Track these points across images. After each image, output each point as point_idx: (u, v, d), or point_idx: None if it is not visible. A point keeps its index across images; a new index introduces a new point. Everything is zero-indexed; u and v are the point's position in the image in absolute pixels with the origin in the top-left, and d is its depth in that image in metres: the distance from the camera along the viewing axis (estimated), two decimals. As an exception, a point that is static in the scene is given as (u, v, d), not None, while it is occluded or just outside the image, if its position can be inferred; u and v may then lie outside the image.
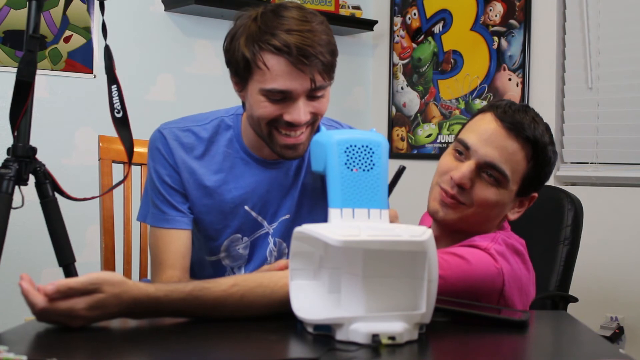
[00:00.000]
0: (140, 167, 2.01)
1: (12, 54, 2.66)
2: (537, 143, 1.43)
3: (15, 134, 1.77)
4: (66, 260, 1.81)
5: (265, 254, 1.64)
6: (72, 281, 1.08)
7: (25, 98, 1.75)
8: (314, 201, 1.64)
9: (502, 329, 1.20)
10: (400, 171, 1.39)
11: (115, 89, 1.87)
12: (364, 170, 1.18)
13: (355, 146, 1.19)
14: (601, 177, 2.85)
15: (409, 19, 3.54)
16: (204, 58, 3.15)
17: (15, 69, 1.76)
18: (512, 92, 3.13)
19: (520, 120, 1.42)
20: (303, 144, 1.52)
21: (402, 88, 3.57)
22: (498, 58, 3.18)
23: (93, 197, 1.92)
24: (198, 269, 1.67)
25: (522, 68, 3.09)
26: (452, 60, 3.36)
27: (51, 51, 2.76)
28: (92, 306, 1.08)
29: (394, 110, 3.61)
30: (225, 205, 1.60)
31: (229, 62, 1.51)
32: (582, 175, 2.90)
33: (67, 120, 2.81)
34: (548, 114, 2.90)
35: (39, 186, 1.80)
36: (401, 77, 3.57)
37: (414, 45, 3.51)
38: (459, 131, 1.52)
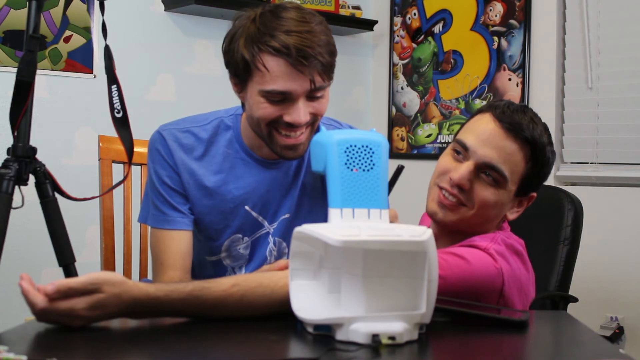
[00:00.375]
0: (140, 167, 2.01)
1: (12, 54, 2.66)
2: (535, 143, 1.43)
3: (15, 134, 1.77)
4: (66, 260, 1.81)
5: (265, 253, 1.64)
6: (72, 281, 1.08)
7: (25, 98, 1.75)
8: (313, 201, 1.64)
9: (502, 329, 1.20)
10: (399, 171, 1.40)
11: (115, 89, 1.87)
12: (364, 170, 1.18)
13: (355, 146, 1.19)
14: (601, 177, 2.85)
15: (409, 19, 3.54)
16: (204, 58, 3.15)
17: (15, 69, 1.76)
18: (512, 92, 3.13)
19: (518, 121, 1.42)
20: (303, 144, 1.52)
21: (402, 88, 3.57)
22: (498, 58, 3.18)
23: (93, 197, 1.92)
24: (198, 269, 1.67)
25: (522, 68, 3.09)
26: (452, 60, 3.36)
27: (51, 51, 2.76)
28: (92, 306, 1.08)
29: (394, 110, 3.61)
30: (225, 205, 1.60)
31: (228, 64, 1.51)
32: (582, 175, 2.90)
33: (67, 120, 2.80)
34: (548, 114, 2.90)
35: (39, 186, 1.80)
36: (401, 77, 3.57)
37: (414, 45, 3.51)
38: (458, 131, 1.52)
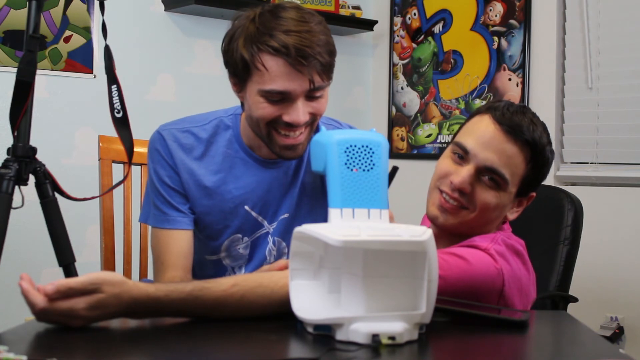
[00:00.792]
0: (140, 167, 2.01)
1: (12, 54, 2.66)
2: (536, 145, 1.42)
3: (15, 134, 1.77)
4: (66, 260, 1.81)
5: (264, 253, 1.64)
6: (72, 281, 1.08)
7: (25, 98, 1.75)
8: (313, 200, 1.64)
9: (502, 329, 1.20)
10: (394, 172, 1.39)
11: (115, 89, 1.87)
12: (364, 170, 1.18)
13: (355, 146, 1.19)
14: (601, 177, 2.85)
15: (409, 19, 3.54)
16: (204, 58, 3.15)
17: (15, 69, 1.76)
18: (512, 92, 3.13)
19: (518, 123, 1.41)
20: (302, 144, 1.52)
21: (402, 88, 3.57)
22: (498, 58, 3.18)
23: (93, 197, 1.92)
24: (198, 269, 1.67)
25: (522, 68, 3.09)
26: (452, 60, 3.36)
27: (51, 51, 2.76)
28: (92, 306, 1.08)
29: (394, 110, 3.61)
30: (225, 205, 1.60)
31: (228, 63, 1.51)
32: (582, 175, 2.90)
33: (67, 120, 2.81)
34: (548, 114, 2.90)
35: (39, 186, 1.80)
36: (401, 77, 3.57)
37: (414, 45, 3.51)
38: (456, 132, 1.51)
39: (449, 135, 3.37)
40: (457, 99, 3.34)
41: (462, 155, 1.44)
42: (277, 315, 1.19)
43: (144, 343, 1.09)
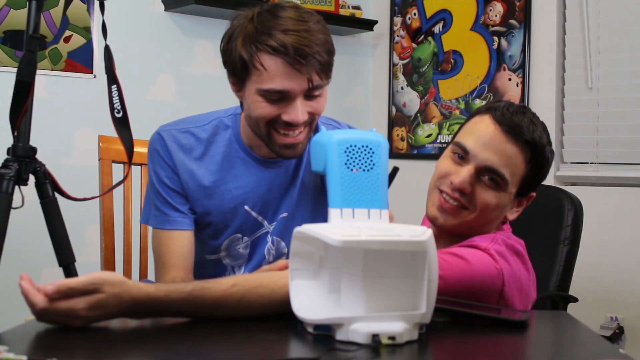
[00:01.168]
0: (140, 167, 2.01)
1: (12, 54, 2.66)
2: (536, 145, 1.42)
3: (15, 134, 1.77)
4: (66, 260, 1.81)
5: (263, 252, 1.64)
6: (72, 281, 1.08)
7: (25, 98, 1.75)
8: (312, 200, 1.64)
9: (502, 329, 1.20)
10: (394, 172, 1.39)
11: (115, 89, 1.87)
12: (364, 170, 1.18)
13: (355, 146, 1.19)
14: (601, 177, 2.85)
15: (409, 19, 3.54)
16: (204, 58, 3.15)
17: (15, 69, 1.76)
18: (512, 92, 3.13)
19: (518, 123, 1.41)
20: (302, 143, 1.52)
21: (402, 88, 3.57)
22: (498, 58, 3.18)
23: (93, 197, 1.92)
24: (198, 268, 1.67)
25: (522, 68, 3.09)
26: (452, 60, 3.36)
27: (51, 51, 2.76)
28: (92, 306, 1.08)
29: (394, 110, 3.61)
30: (225, 205, 1.60)
31: (226, 63, 1.51)
32: (582, 175, 2.90)
33: (67, 120, 2.81)
34: (548, 114, 2.90)
35: (39, 186, 1.80)
36: (401, 77, 3.57)
37: (414, 45, 3.51)
38: (456, 133, 1.51)
39: (449, 135, 3.37)
40: (457, 99, 3.34)
41: (462, 156, 1.44)
42: (277, 315, 1.19)
43: (144, 343, 1.09)
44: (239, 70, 1.47)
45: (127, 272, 1.98)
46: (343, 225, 1.12)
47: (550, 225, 1.93)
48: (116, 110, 1.86)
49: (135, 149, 1.89)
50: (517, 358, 1.12)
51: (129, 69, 2.83)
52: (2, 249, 1.72)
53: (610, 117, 2.86)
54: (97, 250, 2.06)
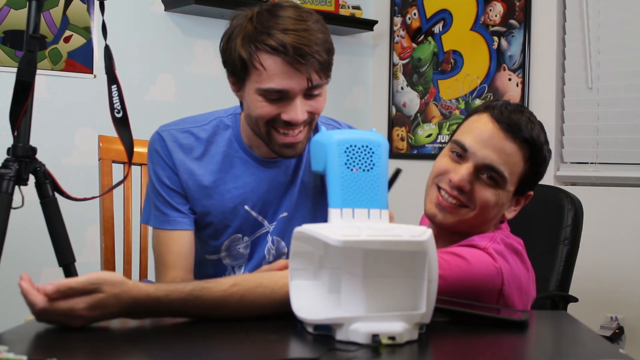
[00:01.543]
0: (140, 167, 2.01)
1: (12, 54, 2.66)
2: (534, 144, 1.43)
3: (15, 134, 1.77)
4: (66, 260, 1.81)
5: (263, 252, 1.64)
6: (72, 281, 1.08)
7: (25, 98, 1.75)
8: (312, 199, 1.64)
9: (502, 329, 1.20)
10: (396, 174, 1.39)
11: (115, 89, 1.87)
12: (364, 170, 1.18)
13: (355, 146, 1.19)
14: (601, 177, 2.85)
15: (409, 19, 3.54)
16: (204, 58, 3.15)
17: (15, 69, 1.76)
18: (512, 92, 3.13)
19: (517, 121, 1.42)
20: (301, 142, 1.52)
21: (402, 88, 3.57)
22: (498, 58, 3.18)
23: (93, 197, 1.92)
24: (198, 268, 1.67)
25: (522, 68, 3.09)
26: (452, 60, 3.36)
27: (51, 51, 2.76)
28: (92, 306, 1.08)
29: (394, 110, 3.61)
30: (225, 205, 1.60)
31: (226, 63, 1.51)
32: (582, 175, 2.90)
33: (67, 120, 2.81)
34: (548, 114, 2.90)
35: (39, 186, 1.80)
36: (401, 77, 3.57)
37: (414, 45, 3.51)
38: (454, 132, 1.51)
39: (449, 135, 3.36)
40: (457, 99, 3.34)
41: (461, 154, 1.44)
42: (277, 315, 1.19)
43: (144, 343, 1.09)
44: (238, 70, 1.48)
45: (127, 272, 1.98)
46: (343, 225, 1.12)
47: (550, 225, 1.93)
48: (116, 110, 1.86)
49: (135, 149, 1.89)
50: (517, 358, 1.12)
51: (129, 69, 2.83)
52: (2, 249, 1.72)
53: (610, 117, 2.86)
54: (97, 250, 2.06)
